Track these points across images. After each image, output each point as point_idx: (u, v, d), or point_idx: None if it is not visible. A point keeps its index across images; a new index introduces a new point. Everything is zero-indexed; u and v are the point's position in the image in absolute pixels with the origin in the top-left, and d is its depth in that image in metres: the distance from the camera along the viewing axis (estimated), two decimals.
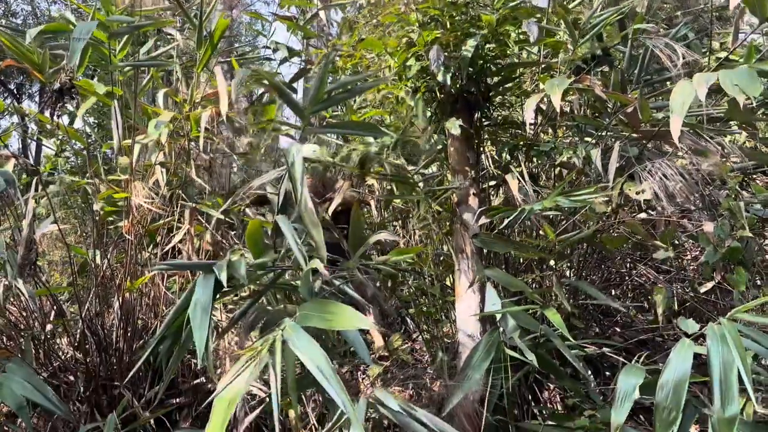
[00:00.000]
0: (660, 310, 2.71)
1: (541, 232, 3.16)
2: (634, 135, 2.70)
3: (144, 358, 2.05)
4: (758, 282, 2.79)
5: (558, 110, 2.33)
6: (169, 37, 3.54)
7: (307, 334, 1.65)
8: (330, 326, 1.71)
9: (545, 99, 2.73)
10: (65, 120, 3.32)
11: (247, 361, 1.63)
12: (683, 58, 2.48)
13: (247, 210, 3.37)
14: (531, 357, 2.08)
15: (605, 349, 2.73)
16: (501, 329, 2.33)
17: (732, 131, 3.28)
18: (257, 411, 2.49)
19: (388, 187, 3.71)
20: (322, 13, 4.33)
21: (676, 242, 3.04)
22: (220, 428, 1.51)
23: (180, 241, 3.06)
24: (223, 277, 1.85)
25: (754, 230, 2.65)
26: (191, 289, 1.92)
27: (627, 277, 3.55)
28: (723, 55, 3.82)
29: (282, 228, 2.00)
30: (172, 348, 2.02)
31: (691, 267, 3.29)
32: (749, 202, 2.68)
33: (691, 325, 2.00)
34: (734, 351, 1.69)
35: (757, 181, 3.07)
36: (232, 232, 3.49)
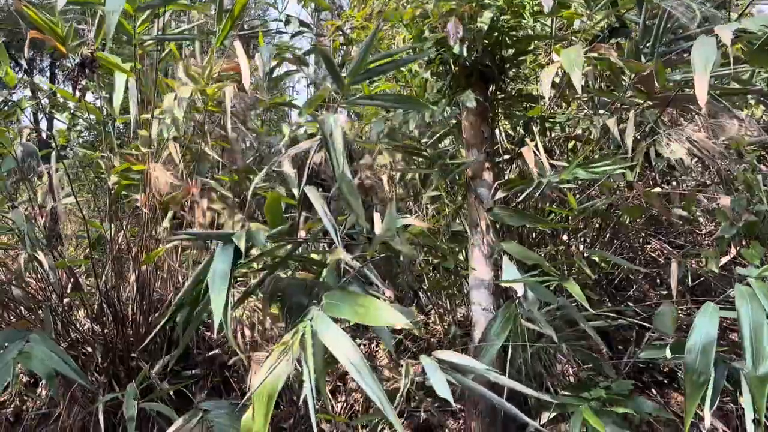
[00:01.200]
0: (674, 284, 2.70)
1: (555, 206, 3.16)
2: (650, 103, 2.64)
3: (161, 324, 2.07)
4: None
5: (579, 89, 2.24)
6: (182, 10, 3.51)
7: (336, 325, 1.64)
8: (362, 320, 1.69)
9: (559, 71, 2.69)
10: (77, 94, 3.31)
11: (279, 355, 1.62)
12: (702, 16, 2.38)
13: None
14: (549, 329, 2.08)
15: (620, 321, 2.73)
16: (517, 301, 2.34)
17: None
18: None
19: (401, 162, 3.70)
20: None
21: (691, 216, 3.02)
22: (263, 425, 1.51)
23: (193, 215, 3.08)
24: (242, 245, 1.86)
25: None
26: (209, 260, 1.93)
27: (640, 252, 3.55)
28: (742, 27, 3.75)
29: (311, 199, 1.99)
30: (190, 317, 2.04)
31: (706, 242, 3.28)
32: (767, 175, 2.65)
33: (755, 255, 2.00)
34: (766, 309, 1.69)
35: None
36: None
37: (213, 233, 2.22)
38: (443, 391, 1.72)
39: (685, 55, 2.98)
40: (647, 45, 2.92)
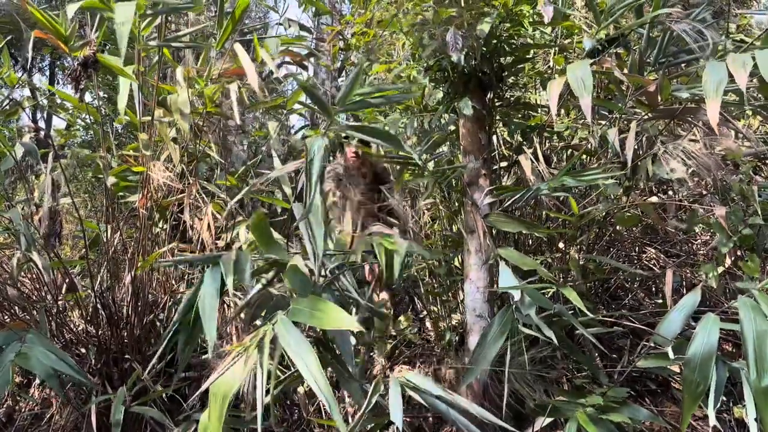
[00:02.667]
0: (669, 292, 2.71)
1: (551, 214, 3.16)
2: (651, 115, 2.65)
3: (161, 347, 2.08)
4: None
5: (588, 116, 2.23)
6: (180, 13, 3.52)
7: (298, 330, 1.66)
8: (318, 324, 1.73)
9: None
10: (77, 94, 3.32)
11: (235, 356, 1.64)
12: (710, 40, 2.42)
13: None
14: (549, 333, 2.09)
15: (616, 328, 2.73)
16: (514, 307, 2.34)
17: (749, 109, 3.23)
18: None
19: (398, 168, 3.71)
20: None
21: (687, 229, 3.03)
22: (217, 424, 1.52)
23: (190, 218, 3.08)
24: (230, 282, 1.87)
25: (766, 217, 2.64)
26: (200, 282, 1.96)
27: (636, 261, 3.56)
28: (739, 37, 3.78)
29: (295, 214, 2.02)
30: (186, 343, 2.06)
31: (701, 251, 3.29)
32: (763, 187, 2.66)
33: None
34: None
35: None
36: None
37: (201, 257, 2.24)
38: (396, 415, 1.76)
39: (683, 66, 3.01)
40: (650, 57, 2.94)
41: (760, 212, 2.49)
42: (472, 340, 2.80)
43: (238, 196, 2.71)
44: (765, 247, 2.73)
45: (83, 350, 3.03)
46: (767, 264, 2.84)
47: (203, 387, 1.60)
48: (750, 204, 2.51)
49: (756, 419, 1.71)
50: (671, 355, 2.06)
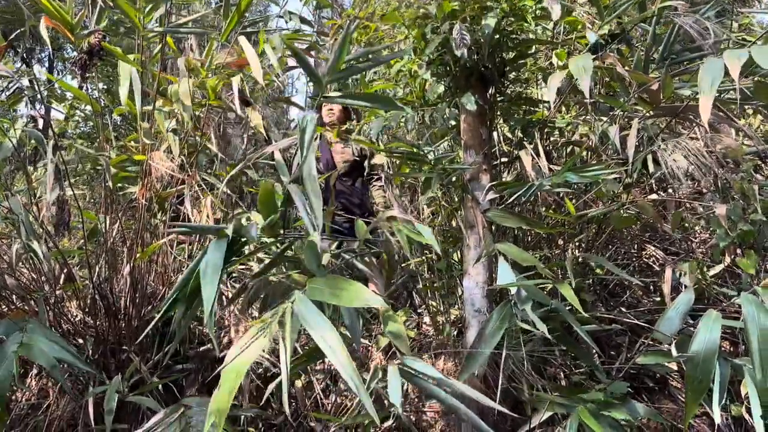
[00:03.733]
0: (667, 290, 2.71)
1: (552, 210, 3.16)
2: (653, 113, 2.65)
3: (155, 321, 2.07)
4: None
5: (587, 93, 2.25)
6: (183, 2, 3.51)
7: (316, 308, 1.64)
8: (339, 302, 1.70)
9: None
10: (75, 83, 3.30)
11: (256, 332, 1.63)
12: (714, 34, 2.41)
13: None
14: (543, 328, 2.09)
15: (614, 325, 2.74)
16: (513, 302, 2.34)
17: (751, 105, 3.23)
18: (273, 384, 2.52)
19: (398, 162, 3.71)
20: None
21: (686, 225, 3.04)
22: (227, 398, 1.50)
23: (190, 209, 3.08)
24: (230, 232, 1.86)
25: (767, 214, 2.65)
26: (202, 254, 1.93)
27: (635, 258, 3.56)
28: (741, 36, 3.78)
29: (293, 197, 1.99)
30: (185, 313, 2.03)
31: (700, 250, 3.29)
32: (763, 185, 2.66)
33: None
34: None
35: None
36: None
37: (207, 227, 2.22)
38: (395, 398, 1.75)
39: (686, 63, 3.00)
40: (655, 53, 2.93)
41: (760, 210, 2.49)
42: (471, 335, 2.80)
43: (230, 174, 2.70)
44: (765, 245, 2.73)
45: (81, 341, 3.02)
46: (767, 262, 2.84)
47: (222, 366, 1.59)
48: (751, 203, 2.51)
49: (762, 417, 1.70)
50: (674, 352, 2.06)
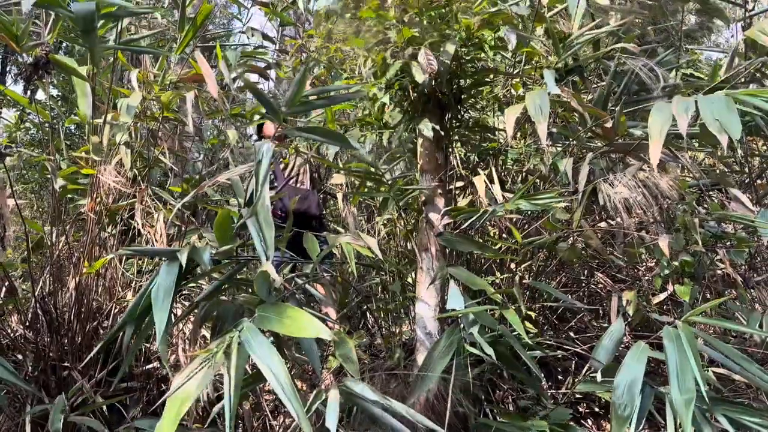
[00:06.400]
0: (614, 317, 2.78)
1: (503, 235, 3.22)
2: (606, 147, 2.75)
3: (102, 344, 2.03)
4: (707, 296, 2.89)
5: (544, 139, 2.30)
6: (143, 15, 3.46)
7: (265, 338, 1.64)
8: (287, 332, 1.70)
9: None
10: (22, 92, 3.22)
11: (201, 362, 1.61)
12: (663, 79, 2.53)
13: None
14: (490, 351, 2.13)
15: (559, 353, 2.79)
16: (462, 326, 2.37)
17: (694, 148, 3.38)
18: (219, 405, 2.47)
19: (357, 182, 3.72)
20: (300, 2, 4.29)
21: (628, 253, 3.13)
22: (171, 426, 1.49)
23: (141, 223, 3.02)
24: (183, 259, 1.85)
25: (707, 246, 2.75)
26: (153, 277, 1.92)
27: (584, 285, 3.64)
28: (689, 71, 3.94)
29: (249, 227, 1.99)
30: (134, 335, 2.00)
31: (646, 277, 3.39)
32: (704, 218, 2.77)
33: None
34: (688, 351, 1.81)
35: (714, 199, 3.17)
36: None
37: (159, 250, 2.19)
38: (331, 422, 1.76)
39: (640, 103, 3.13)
40: (615, 89, 3.04)
41: (700, 242, 2.59)
42: (420, 357, 2.81)
43: (187, 198, 2.67)
44: (704, 275, 2.84)
45: (20, 357, 2.92)
46: (707, 292, 2.95)
47: (166, 395, 1.56)
48: (692, 235, 2.61)
49: None
50: (599, 378, 2.16)
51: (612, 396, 1.88)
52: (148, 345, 3.14)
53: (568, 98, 2.54)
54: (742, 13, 3.50)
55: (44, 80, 2.51)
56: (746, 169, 3.58)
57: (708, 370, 2.43)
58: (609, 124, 2.58)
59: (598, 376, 2.14)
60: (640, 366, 1.89)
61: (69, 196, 3.17)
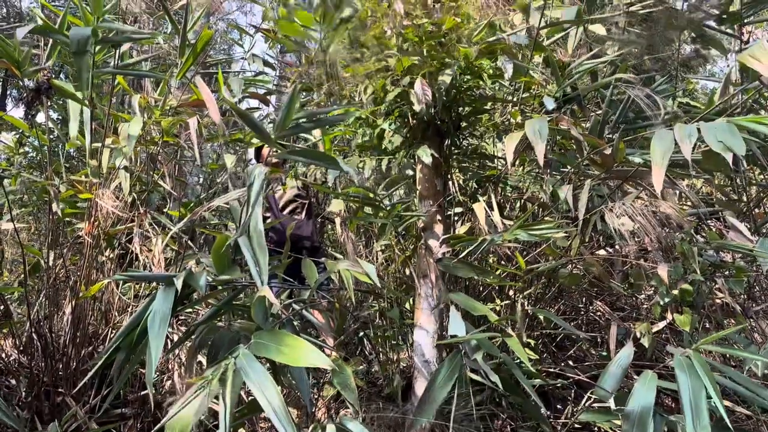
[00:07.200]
0: (612, 346, 2.77)
1: (502, 261, 3.21)
2: (604, 174, 2.76)
3: (96, 368, 2.00)
4: (707, 325, 2.88)
5: (541, 161, 2.32)
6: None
7: (261, 366, 1.64)
8: (285, 360, 1.69)
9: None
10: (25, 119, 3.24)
11: (197, 389, 1.60)
12: (661, 106, 2.55)
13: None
14: (495, 378, 2.10)
15: (559, 381, 2.77)
16: (463, 352, 2.35)
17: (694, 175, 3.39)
18: None
19: (355, 207, 3.73)
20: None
21: (632, 281, 3.12)
22: None
23: (138, 247, 3.01)
24: (179, 284, 1.83)
25: (705, 275, 2.75)
26: (149, 301, 1.90)
27: (582, 312, 3.62)
28: (686, 100, 3.98)
29: (242, 248, 1.98)
30: (127, 360, 1.98)
31: (645, 306, 3.38)
32: (702, 247, 2.77)
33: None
34: (705, 380, 1.79)
35: (712, 227, 3.18)
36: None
37: (155, 275, 2.18)
38: None
39: (638, 131, 3.15)
40: (611, 117, 3.07)
41: (698, 271, 2.59)
42: (419, 385, 2.79)
43: (182, 223, 2.67)
44: (703, 304, 2.84)
45: (13, 381, 2.88)
46: (706, 321, 2.94)
47: (164, 420, 1.55)
48: (690, 263, 2.61)
49: None
50: (613, 406, 2.12)
51: (623, 425, 1.87)
52: (143, 370, 3.11)
53: (567, 126, 2.56)
54: (739, 44, 3.55)
55: (45, 104, 2.52)
56: (744, 198, 3.59)
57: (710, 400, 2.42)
58: (608, 152, 2.60)
59: (611, 403, 2.11)
60: (651, 394, 1.88)
61: (67, 219, 3.17)
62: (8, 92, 10.21)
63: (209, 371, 1.62)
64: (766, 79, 2.48)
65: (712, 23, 3.49)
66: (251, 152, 4.08)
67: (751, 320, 3.00)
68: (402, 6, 2.76)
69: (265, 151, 4.24)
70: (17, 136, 3.95)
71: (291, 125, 2.17)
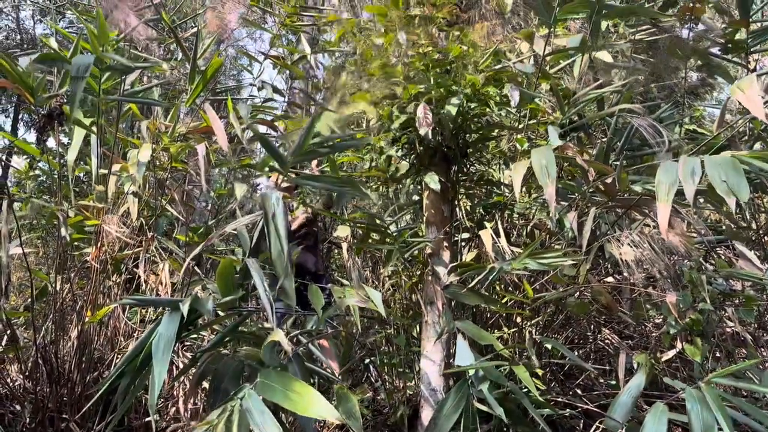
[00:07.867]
0: (621, 375, 2.73)
1: (509, 288, 3.19)
2: (610, 202, 2.75)
3: (100, 393, 1.99)
4: (717, 354, 2.84)
5: (552, 206, 2.29)
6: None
7: (267, 410, 1.62)
8: (292, 408, 1.67)
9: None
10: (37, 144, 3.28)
11: None
12: (665, 137, 2.54)
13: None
14: (499, 411, 2.07)
15: (567, 410, 2.73)
16: (470, 381, 2.32)
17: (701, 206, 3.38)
18: None
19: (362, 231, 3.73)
20: (310, 56, 4.39)
21: (640, 310, 3.09)
22: None
23: (145, 272, 3.01)
24: (185, 310, 1.83)
25: (714, 303, 2.72)
26: (154, 326, 1.90)
27: (591, 341, 3.58)
28: (692, 127, 3.98)
29: (252, 272, 1.98)
30: (131, 385, 1.97)
31: (654, 334, 3.34)
32: (711, 275, 2.75)
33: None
34: (717, 413, 1.77)
35: (720, 255, 3.15)
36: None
37: (161, 300, 2.18)
38: None
39: (643, 159, 3.15)
40: (616, 145, 3.07)
41: (708, 300, 2.56)
42: (426, 415, 2.75)
43: (195, 251, 2.67)
44: (713, 333, 2.80)
45: (18, 407, 2.87)
46: (715, 350, 2.90)
47: None
48: (699, 292, 2.58)
49: None
50: None
51: None
52: (147, 396, 3.09)
53: (573, 154, 2.56)
54: (745, 72, 3.56)
55: (56, 130, 2.56)
56: (753, 225, 3.57)
57: None
58: (610, 180, 2.58)
59: None
60: (662, 428, 1.85)
61: (75, 243, 3.18)
62: (20, 117, 10.35)
63: (215, 413, 1.60)
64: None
65: (717, 51, 3.50)
66: (263, 179, 4.09)
67: (762, 350, 2.97)
68: (406, 36, 2.80)
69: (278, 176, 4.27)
70: (28, 160, 4.00)
71: (306, 151, 2.18)
